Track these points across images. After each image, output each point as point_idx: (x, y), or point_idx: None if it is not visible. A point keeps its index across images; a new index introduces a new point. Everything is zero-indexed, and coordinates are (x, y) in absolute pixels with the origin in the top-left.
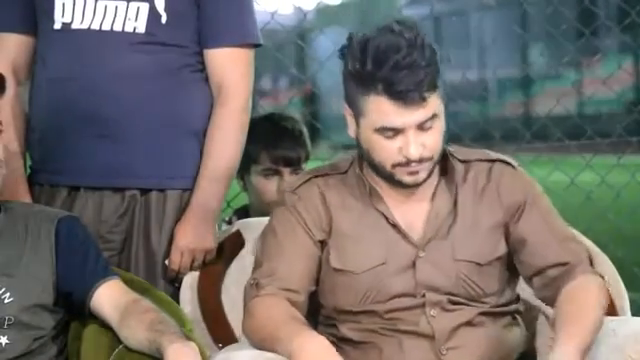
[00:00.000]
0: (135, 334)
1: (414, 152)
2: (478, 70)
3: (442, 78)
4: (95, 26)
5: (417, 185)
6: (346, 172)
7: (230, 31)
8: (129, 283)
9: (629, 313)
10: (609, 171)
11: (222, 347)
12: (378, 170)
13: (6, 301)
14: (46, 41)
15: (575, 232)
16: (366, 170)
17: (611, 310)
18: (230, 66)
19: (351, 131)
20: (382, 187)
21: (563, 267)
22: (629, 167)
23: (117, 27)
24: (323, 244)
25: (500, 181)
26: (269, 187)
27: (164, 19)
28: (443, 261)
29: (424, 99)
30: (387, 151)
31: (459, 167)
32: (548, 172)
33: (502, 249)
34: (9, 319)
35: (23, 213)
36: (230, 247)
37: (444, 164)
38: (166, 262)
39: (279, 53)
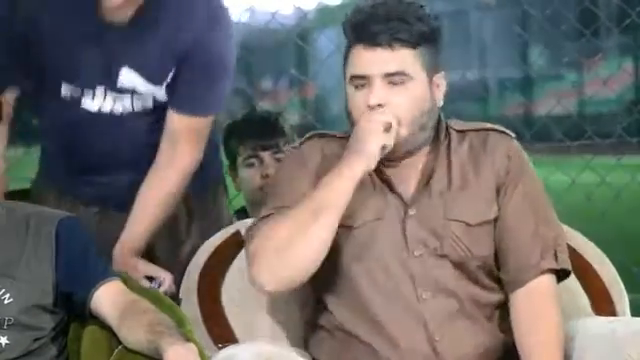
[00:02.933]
0: (134, 335)
1: (373, 100)
2: (478, 70)
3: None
4: (105, 110)
5: (392, 154)
6: (346, 138)
7: (192, 104)
8: (130, 284)
9: (629, 314)
10: (609, 171)
11: (222, 347)
12: None
13: (6, 302)
14: (52, 106)
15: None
16: None
17: (611, 310)
18: (184, 131)
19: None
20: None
21: (527, 259)
22: (629, 167)
23: (126, 111)
24: None
25: (495, 148)
26: (254, 175)
27: (166, 99)
28: (433, 219)
29: (392, 46)
30: (356, 105)
31: (455, 136)
32: (549, 172)
33: (492, 213)
34: (9, 320)
35: (24, 214)
36: (229, 248)
37: (438, 132)
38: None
39: (279, 53)
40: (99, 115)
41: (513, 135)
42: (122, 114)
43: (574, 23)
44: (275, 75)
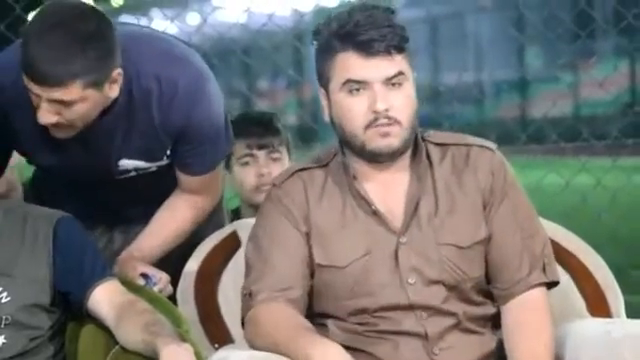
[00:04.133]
0: (131, 335)
1: (380, 105)
2: (474, 72)
3: (414, 60)
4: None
5: (392, 155)
6: (328, 164)
7: (193, 167)
8: (127, 284)
9: (624, 315)
10: (605, 173)
11: (218, 347)
12: (352, 144)
13: (3, 300)
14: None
15: (547, 226)
16: (348, 155)
17: (606, 312)
18: (198, 186)
19: (326, 115)
20: (363, 171)
21: (516, 274)
22: (625, 169)
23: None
24: (308, 237)
25: (478, 165)
26: (249, 174)
27: (167, 162)
28: (425, 246)
29: (389, 52)
30: (355, 111)
31: (435, 150)
32: (544, 174)
33: (482, 233)
34: (6, 319)
35: (21, 213)
36: (226, 248)
37: (419, 148)
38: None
39: (277, 54)
40: (102, 183)
41: (494, 147)
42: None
43: (570, 25)
44: (272, 76)
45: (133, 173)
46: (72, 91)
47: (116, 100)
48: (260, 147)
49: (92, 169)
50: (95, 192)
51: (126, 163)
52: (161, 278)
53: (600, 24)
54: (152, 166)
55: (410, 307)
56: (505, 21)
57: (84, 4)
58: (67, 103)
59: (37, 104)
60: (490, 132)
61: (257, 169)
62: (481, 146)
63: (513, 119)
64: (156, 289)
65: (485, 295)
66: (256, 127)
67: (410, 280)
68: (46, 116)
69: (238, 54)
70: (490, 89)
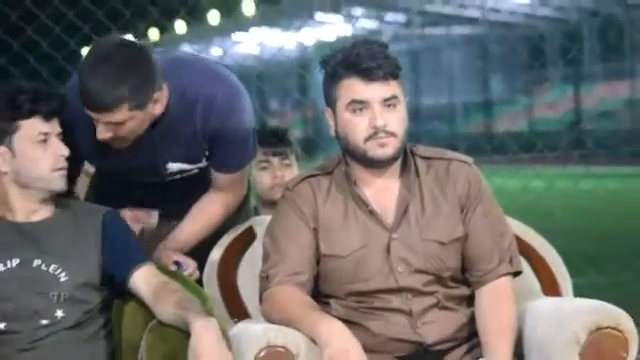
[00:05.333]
0: (166, 310)
1: (380, 122)
2: (448, 96)
3: (405, 86)
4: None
5: (387, 161)
6: (332, 172)
7: (228, 166)
8: (161, 268)
9: (572, 294)
10: (555, 179)
11: (237, 321)
12: (354, 153)
13: (62, 279)
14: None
15: (510, 222)
16: (350, 163)
17: (557, 292)
18: (228, 181)
19: (332, 129)
20: (362, 177)
21: (488, 265)
22: (572, 176)
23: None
24: (316, 232)
25: (457, 176)
26: (266, 177)
27: (205, 163)
28: (413, 241)
29: (386, 78)
30: (358, 127)
31: (421, 163)
32: (506, 179)
33: (459, 232)
34: (64, 295)
35: (74, 207)
36: (243, 240)
37: (408, 160)
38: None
39: (285, 80)
40: (151, 185)
41: (471, 161)
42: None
43: (525, 57)
44: (281, 98)
45: (178, 176)
46: (120, 114)
47: (163, 114)
48: (275, 154)
49: (144, 172)
50: (143, 193)
51: (172, 166)
52: (189, 264)
53: (550, 56)
54: (194, 168)
55: (399, 290)
56: (472, 54)
57: (125, 39)
58: (118, 123)
59: (95, 124)
60: (461, 145)
61: (272, 172)
62: (460, 160)
63: (480, 134)
64: (186, 273)
65: (460, 281)
66: (272, 138)
67: (399, 269)
68: (102, 133)
69: (253, 80)
70: (461, 109)
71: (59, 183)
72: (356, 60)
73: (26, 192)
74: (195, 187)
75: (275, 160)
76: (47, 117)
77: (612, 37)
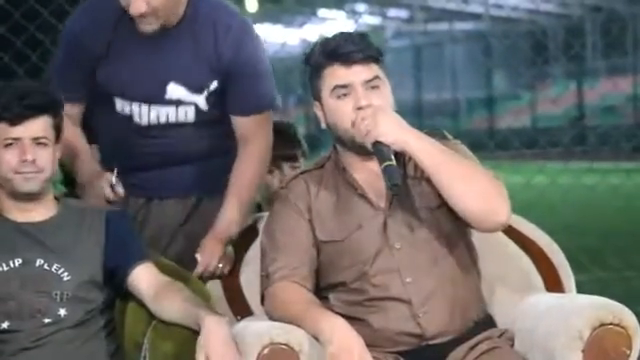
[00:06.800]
0: (173, 306)
1: (363, 102)
2: (451, 91)
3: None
4: (153, 122)
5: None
6: (323, 166)
7: (248, 104)
8: (163, 267)
9: (574, 290)
10: (558, 175)
11: (241, 319)
12: (344, 139)
13: (65, 279)
14: (108, 117)
15: (513, 218)
16: (340, 151)
17: (560, 288)
18: (252, 127)
19: (323, 123)
20: (352, 163)
21: None
22: (574, 171)
23: (171, 121)
24: (311, 223)
25: None
26: (273, 180)
27: (207, 109)
28: (407, 213)
29: (366, 61)
30: (344, 111)
31: None
32: (508, 175)
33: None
34: (67, 294)
35: (78, 207)
36: (246, 237)
37: None
38: (197, 256)
39: (288, 77)
40: (148, 127)
41: (446, 133)
42: (167, 124)
43: (528, 53)
44: (284, 95)
45: (172, 115)
46: None
47: (178, 23)
48: (284, 159)
49: (144, 88)
50: (138, 147)
51: (172, 89)
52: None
53: (553, 52)
54: (191, 100)
55: (397, 271)
56: (475, 50)
57: None
58: None
59: (127, 2)
60: (464, 141)
61: (281, 177)
62: (434, 133)
63: (483, 130)
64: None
65: (457, 246)
66: (282, 140)
67: (397, 245)
68: (138, 4)
69: None
70: (464, 105)
71: (24, 185)
72: (335, 47)
73: (6, 192)
74: (189, 149)
75: (285, 166)
76: (13, 123)
77: (615, 32)
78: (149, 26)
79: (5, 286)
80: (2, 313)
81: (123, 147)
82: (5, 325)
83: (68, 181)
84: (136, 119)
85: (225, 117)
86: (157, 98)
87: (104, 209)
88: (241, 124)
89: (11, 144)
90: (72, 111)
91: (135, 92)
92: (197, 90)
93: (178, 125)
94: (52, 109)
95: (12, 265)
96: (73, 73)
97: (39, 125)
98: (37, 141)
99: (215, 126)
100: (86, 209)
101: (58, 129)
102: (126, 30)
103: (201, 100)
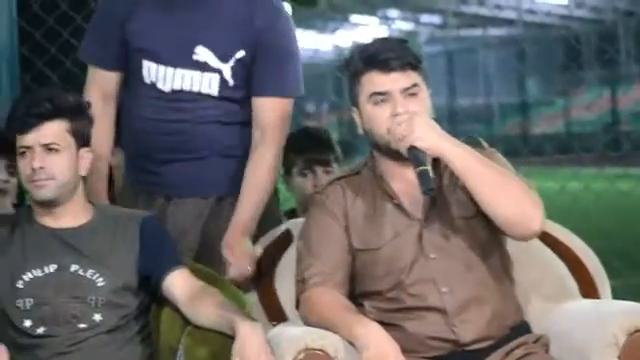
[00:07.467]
0: (207, 311)
1: (400, 109)
2: (484, 97)
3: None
4: (176, 87)
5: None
6: (359, 172)
7: (274, 84)
8: (198, 272)
9: (610, 296)
10: (592, 180)
11: (275, 324)
12: (379, 145)
13: (99, 284)
14: (135, 91)
15: (547, 224)
16: (377, 158)
17: (595, 294)
18: (271, 113)
19: (360, 128)
20: (389, 171)
21: None
22: (608, 177)
23: (195, 89)
24: (347, 230)
25: None
26: (307, 184)
27: (231, 83)
28: (443, 222)
29: (404, 68)
30: (380, 118)
31: None
32: (542, 181)
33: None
34: (102, 299)
35: (113, 212)
36: (281, 243)
37: None
38: (227, 257)
39: (321, 82)
40: (172, 94)
41: (483, 143)
42: (191, 93)
43: (562, 58)
44: (317, 100)
45: (196, 80)
46: None
47: None
48: (318, 163)
49: (172, 48)
50: (161, 127)
51: (201, 51)
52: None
53: (587, 58)
54: (217, 67)
55: (433, 281)
56: (509, 55)
57: None
58: None
59: None
60: (497, 147)
61: (314, 181)
62: (470, 141)
63: (516, 136)
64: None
65: (491, 255)
66: (316, 144)
67: (432, 255)
68: None
69: None
70: (497, 111)
71: (38, 193)
72: (374, 53)
73: (32, 200)
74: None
75: (319, 169)
76: (22, 131)
77: None
78: None
79: (40, 292)
80: (38, 318)
81: (145, 133)
82: (41, 330)
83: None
84: (159, 85)
85: (247, 110)
86: (183, 59)
87: (139, 215)
88: (261, 108)
89: (24, 152)
90: (105, 83)
91: (162, 52)
92: (224, 57)
93: (201, 97)
94: (64, 114)
95: (47, 271)
96: (105, 37)
97: (48, 131)
98: (48, 147)
99: (237, 116)
100: (121, 215)
101: (78, 133)
102: None
103: (227, 69)
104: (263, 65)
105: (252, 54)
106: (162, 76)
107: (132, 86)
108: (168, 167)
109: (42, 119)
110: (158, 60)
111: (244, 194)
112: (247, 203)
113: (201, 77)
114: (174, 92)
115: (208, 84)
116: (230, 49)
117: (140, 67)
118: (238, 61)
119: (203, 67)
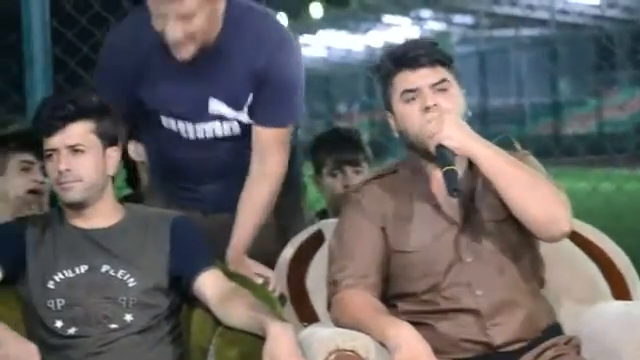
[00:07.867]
0: (237, 312)
1: (429, 102)
2: (516, 97)
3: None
4: (200, 137)
5: None
6: (396, 171)
7: (271, 115)
8: (230, 274)
9: None
10: (624, 181)
11: (307, 325)
12: (415, 146)
13: (130, 285)
14: (155, 133)
15: (579, 225)
16: (414, 158)
17: (627, 295)
18: (270, 141)
19: (395, 131)
20: (426, 173)
21: None
22: None
23: (218, 134)
24: (384, 230)
25: None
26: (337, 184)
27: (247, 120)
28: (476, 226)
29: (433, 64)
30: (411, 115)
31: None
32: (574, 182)
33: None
34: (133, 300)
35: (143, 213)
36: (313, 243)
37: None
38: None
39: (352, 83)
40: (195, 141)
41: (514, 143)
42: (214, 139)
43: (594, 59)
44: (349, 101)
45: (218, 129)
46: (189, 1)
47: (216, 39)
48: (347, 163)
49: (186, 107)
50: (190, 161)
51: (213, 105)
52: (270, 278)
53: (619, 58)
54: (233, 117)
55: (468, 285)
56: (541, 55)
57: None
58: (187, 16)
59: (163, 27)
60: (529, 147)
61: (344, 181)
62: (500, 143)
63: (548, 136)
64: (270, 288)
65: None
66: (346, 144)
67: (468, 259)
68: (173, 31)
69: (320, 83)
70: (529, 111)
71: (65, 195)
72: (402, 53)
73: (62, 201)
74: (234, 163)
75: (348, 169)
76: (48, 134)
77: None
78: (186, 52)
79: (72, 292)
80: (69, 319)
81: (174, 162)
82: (72, 331)
83: (131, 180)
84: (183, 134)
85: None
86: (200, 114)
87: (170, 215)
88: (258, 136)
89: (51, 155)
90: None
91: (179, 111)
92: (237, 106)
93: (226, 138)
94: (88, 115)
95: (78, 271)
96: (113, 93)
97: (73, 132)
98: (73, 149)
99: (243, 142)
100: (151, 215)
101: (103, 133)
102: (166, 49)
103: (243, 116)
104: (260, 97)
105: (258, 90)
106: (184, 129)
107: (152, 128)
108: (201, 188)
109: (66, 121)
110: (177, 117)
111: (241, 219)
112: (248, 227)
113: (221, 125)
114: (198, 139)
115: (229, 129)
116: (242, 98)
117: (159, 120)
118: (250, 105)
119: (221, 118)
